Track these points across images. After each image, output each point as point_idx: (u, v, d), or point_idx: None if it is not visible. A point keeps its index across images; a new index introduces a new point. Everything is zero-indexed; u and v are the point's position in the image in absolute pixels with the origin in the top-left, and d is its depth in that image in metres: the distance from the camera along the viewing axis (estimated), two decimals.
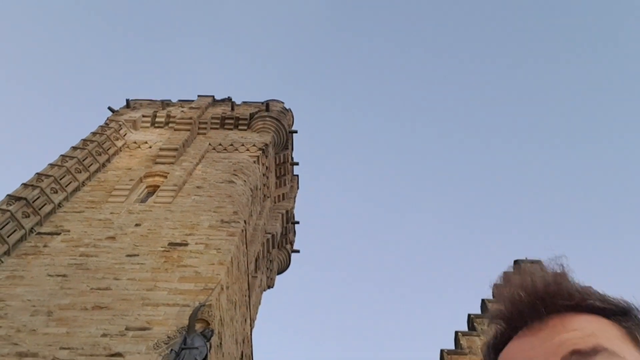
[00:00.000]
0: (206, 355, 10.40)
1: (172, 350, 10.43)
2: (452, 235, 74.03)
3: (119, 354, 10.87)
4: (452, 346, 10.06)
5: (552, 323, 0.73)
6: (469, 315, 10.33)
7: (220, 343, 12.96)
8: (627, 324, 0.74)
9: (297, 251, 29.06)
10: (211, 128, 23.02)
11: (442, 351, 9.92)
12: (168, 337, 11.21)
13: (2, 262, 13.71)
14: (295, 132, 25.68)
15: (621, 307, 0.75)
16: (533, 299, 0.75)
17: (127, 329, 11.57)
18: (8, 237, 14.21)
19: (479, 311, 10.48)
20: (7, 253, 13.97)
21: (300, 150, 70.47)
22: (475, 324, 10.05)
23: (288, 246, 27.57)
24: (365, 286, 73.83)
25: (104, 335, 11.39)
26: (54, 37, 74.90)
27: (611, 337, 0.70)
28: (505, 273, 0.80)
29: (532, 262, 11.37)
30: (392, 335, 71.13)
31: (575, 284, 0.77)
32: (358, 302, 73.44)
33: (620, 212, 67.87)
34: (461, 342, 9.69)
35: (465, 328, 10.36)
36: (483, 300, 10.48)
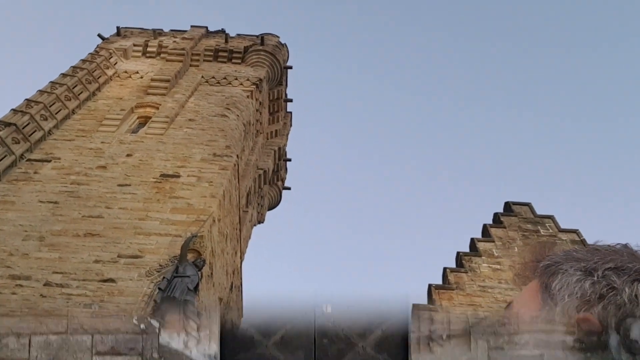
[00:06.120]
0: (197, 284, 10.58)
1: (164, 277, 10.60)
2: (443, 175, 74.71)
3: (111, 280, 11.03)
4: (440, 282, 10.32)
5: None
6: (458, 253, 10.54)
7: (211, 273, 13.20)
8: (541, 276, 0.97)
9: (288, 188, 29.21)
10: (204, 60, 22.51)
11: (430, 286, 10.18)
12: (160, 265, 11.37)
13: None
14: (290, 67, 25.21)
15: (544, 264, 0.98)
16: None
17: (119, 256, 11.69)
18: None
19: (467, 250, 10.70)
20: None
21: (294, 87, 69.55)
22: (463, 261, 10.29)
23: (279, 183, 27.67)
24: (354, 224, 74.95)
25: (97, 261, 11.52)
26: None
27: (523, 293, 0.98)
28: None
29: (521, 204, 11.53)
30: (380, 271, 72.88)
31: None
32: (346, 239, 74.74)
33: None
34: (449, 277, 9.95)
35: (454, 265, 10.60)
36: (472, 239, 10.68)
